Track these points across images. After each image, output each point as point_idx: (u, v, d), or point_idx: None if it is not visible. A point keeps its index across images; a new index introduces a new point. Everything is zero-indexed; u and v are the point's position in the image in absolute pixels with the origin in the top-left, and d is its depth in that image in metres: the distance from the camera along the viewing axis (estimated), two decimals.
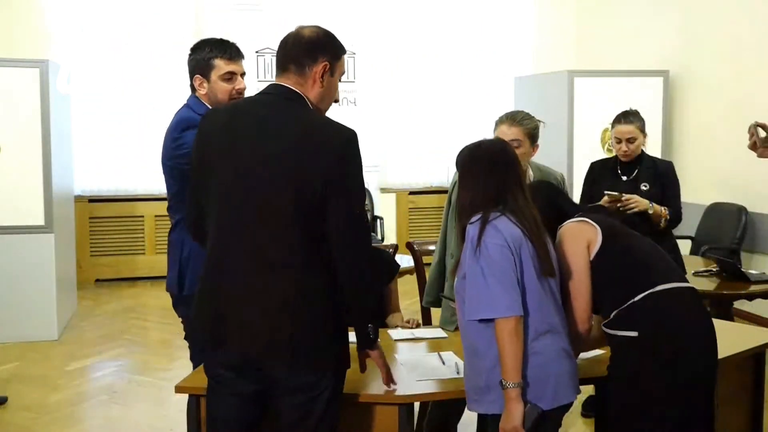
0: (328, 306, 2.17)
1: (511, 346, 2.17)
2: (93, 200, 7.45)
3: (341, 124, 2.18)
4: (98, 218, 7.50)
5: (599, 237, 2.45)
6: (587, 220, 2.50)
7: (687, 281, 2.51)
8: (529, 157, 3.11)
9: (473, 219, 2.29)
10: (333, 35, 2.29)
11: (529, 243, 2.26)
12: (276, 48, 2.32)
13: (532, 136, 3.08)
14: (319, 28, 2.29)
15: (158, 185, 7.06)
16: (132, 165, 7.49)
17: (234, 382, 2.20)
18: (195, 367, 3.11)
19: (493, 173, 2.33)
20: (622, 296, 2.40)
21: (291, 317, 2.12)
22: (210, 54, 2.94)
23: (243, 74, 3.01)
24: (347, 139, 2.14)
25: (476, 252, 2.22)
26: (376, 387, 2.42)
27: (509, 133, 3.02)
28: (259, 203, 2.13)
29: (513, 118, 3.09)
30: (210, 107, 2.94)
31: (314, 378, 2.17)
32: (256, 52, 7.58)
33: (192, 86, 3.02)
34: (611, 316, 2.43)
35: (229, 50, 2.97)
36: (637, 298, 2.38)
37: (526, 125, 3.06)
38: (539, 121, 3.14)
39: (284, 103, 2.20)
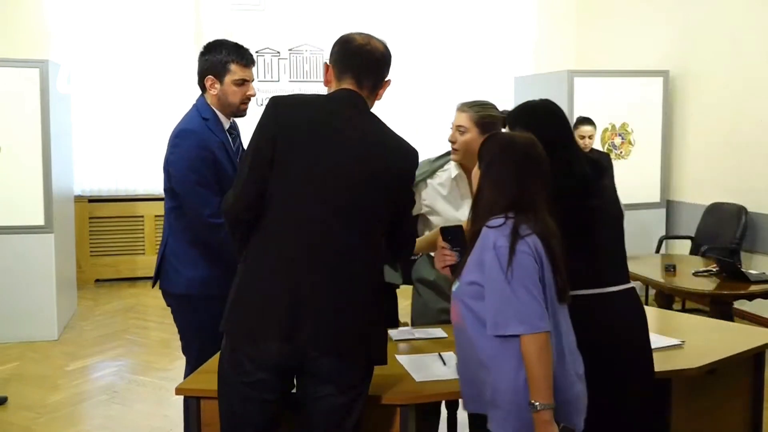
0: (382, 306, 2.27)
1: (542, 364, 1.95)
2: (93, 200, 7.46)
3: (409, 143, 2.36)
4: (98, 218, 7.50)
5: None
6: None
7: (630, 281, 2.45)
8: (473, 146, 2.83)
9: (495, 223, 2.06)
10: None
11: (550, 266, 2.06)
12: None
13: (483, 125, 2.95)
14: (383, 43, 2.34)
15: (158, 185, 7.08)
16: (132, 165, 7.50)
17: (263, 382, 2.17)
18: (188, 360, 3.09)
19: (526, 175, 2.10)
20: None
21: (358, 316, 2.18)
22: (227, 57, 2.93)
23: (252, 80, 3.02)
24: (415, 158, 2.37)
25: (503, 259, 1.99)
26: (375, 387, 2.42)
27: (457, 118, 2.99)
28: (332, 203, 2.17)
29: (465, 103, 3.04)
30: (216, 111, 2.96)
31: (361, 376, 2.23)
32: (256, 52, 7.55)
33: (201, 85, 3.00)
34: None
35: (245, 57, 2.97)
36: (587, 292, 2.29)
37: (476, 111, 2.99)
38: (500, 113, 3.01)
39: (364, 114, 2.29)
